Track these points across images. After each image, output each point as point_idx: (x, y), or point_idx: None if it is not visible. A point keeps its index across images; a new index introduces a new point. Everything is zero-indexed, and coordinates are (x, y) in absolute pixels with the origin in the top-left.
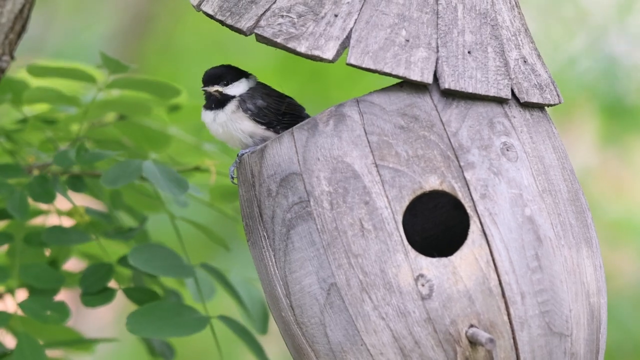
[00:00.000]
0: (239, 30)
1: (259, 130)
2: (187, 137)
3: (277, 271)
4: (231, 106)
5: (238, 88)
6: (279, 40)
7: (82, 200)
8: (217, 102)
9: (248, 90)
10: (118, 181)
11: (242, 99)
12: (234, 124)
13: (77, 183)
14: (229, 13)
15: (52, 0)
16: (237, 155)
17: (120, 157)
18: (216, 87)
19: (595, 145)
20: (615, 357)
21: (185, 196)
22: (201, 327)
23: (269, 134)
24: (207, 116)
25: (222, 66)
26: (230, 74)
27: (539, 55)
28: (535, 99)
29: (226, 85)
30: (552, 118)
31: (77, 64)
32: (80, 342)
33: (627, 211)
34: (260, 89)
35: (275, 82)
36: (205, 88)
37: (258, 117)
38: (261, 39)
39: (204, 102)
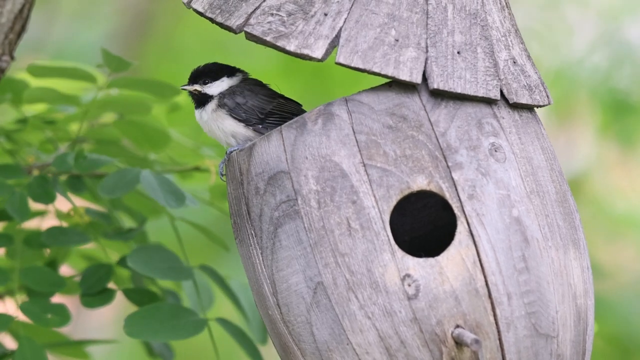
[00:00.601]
0: (228, 28)
1: (240, 129)
2: (186, 141)
3: (264, 269)
4: (212, 105)
5: (218, 87)
6: (268, 38)
7: (81, 200)
8: (198, 101)
9: (230, 88)
10: (116, 191)
11: (222, 96)
12: (215, 123)
13: (76, 183)
14: (219, 11)
15: (53, 0)
16: (226, 152)
17: (119, 163)
18: (195, 86)
19: (599, 140)
20: (617, 354)
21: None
22: (199, 329)
23: (251, 133)
24: (196, 115)
25: (207, 64)
26: (213, 72)
27: (528, 56)
28: (524, 100)
29: (205, 84)
30: (555, 114)
31: (77, 64)
32: (78, 344)
33: (631, 207)
34: (245, 87)
35: (275, 82)
36: (185, 87)
37: (234, 112)
38: (250, 37)
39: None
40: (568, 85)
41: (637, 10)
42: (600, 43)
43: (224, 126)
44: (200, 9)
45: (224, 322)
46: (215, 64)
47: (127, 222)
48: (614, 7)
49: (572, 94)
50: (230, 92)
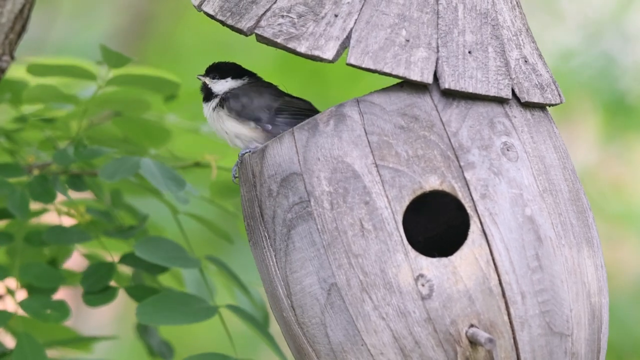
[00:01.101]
0: (239, 31)
1: (245, 130)
2: (185, 123)
3: (278, 271)
4: (212, 104)
5: (222, 86)
6: (279, 40)
7: (82, 198)
8: (205, 95)
9: (233, 89)
10: (116, 175)
11: (224, 97)
12: (218, 123)
13: (77, 182)
14: (230, 13)
15: (53, 0)
16: (239, 155)
17: (118, 154)
18: (206, 79)
19: (596, 142)
20: (615, 355)
21: (185, 193)
22: (210, 315)
23: (256, 134)
24: (204, 110)
25: (227, 63)
26: (223, 70)
27: (540, 55)
28: (536, 98)
29: (213, 79)
30: (553, 115)
31: (75, 62)
32: (79, 341)
33: (627, 208)
34: (250, 88)
35: (274, 80)
36: (199, 76)
37: (241, 114)
38: (261, 39)
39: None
40: (565, 84)
41: (627, 12)
42: (592, 45)
43: (226, 127)
44: (211, 12)
45: (235, 309)
46: (228, 64)
47: (128, 221)
48: (604, 9)
49: (570, 92)
50: (233, 94)
